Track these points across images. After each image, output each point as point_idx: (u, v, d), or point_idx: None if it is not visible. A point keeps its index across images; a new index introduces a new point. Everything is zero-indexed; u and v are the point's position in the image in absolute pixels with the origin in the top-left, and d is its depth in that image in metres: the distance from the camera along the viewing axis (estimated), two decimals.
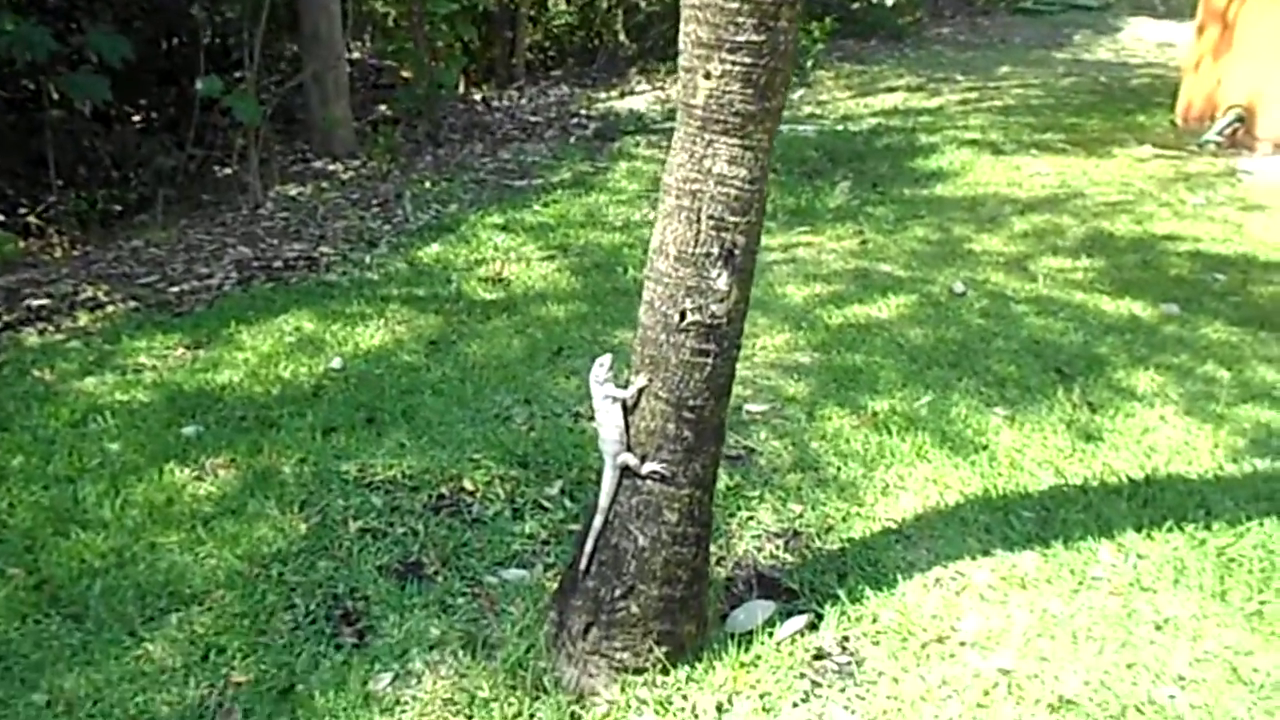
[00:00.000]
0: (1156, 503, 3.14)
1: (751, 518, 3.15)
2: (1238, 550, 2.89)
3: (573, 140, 8.42)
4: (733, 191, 2.26)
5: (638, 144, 8.06)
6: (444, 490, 3.32)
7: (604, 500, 2.48)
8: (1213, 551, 2.89)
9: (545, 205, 6.45)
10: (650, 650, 2.49)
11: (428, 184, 7.28)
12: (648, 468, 2.40)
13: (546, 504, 3.24)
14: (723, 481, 3.27)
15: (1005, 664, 2.51)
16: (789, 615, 2.70)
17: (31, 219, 7.32)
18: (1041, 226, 5.78)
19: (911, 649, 2.58)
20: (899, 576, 2.84)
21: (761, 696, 2.46)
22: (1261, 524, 2.99)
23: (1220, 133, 7.62)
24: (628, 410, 2.43)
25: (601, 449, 2.48)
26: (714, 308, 2.32)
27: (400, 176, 7.61)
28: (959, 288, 4.86)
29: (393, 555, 3.00)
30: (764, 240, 5.66)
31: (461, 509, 3.23)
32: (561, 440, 3.56)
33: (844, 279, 5.04)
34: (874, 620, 2.69)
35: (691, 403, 2.38)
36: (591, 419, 3.77)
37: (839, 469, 3.37)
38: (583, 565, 2.50)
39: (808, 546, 3.02)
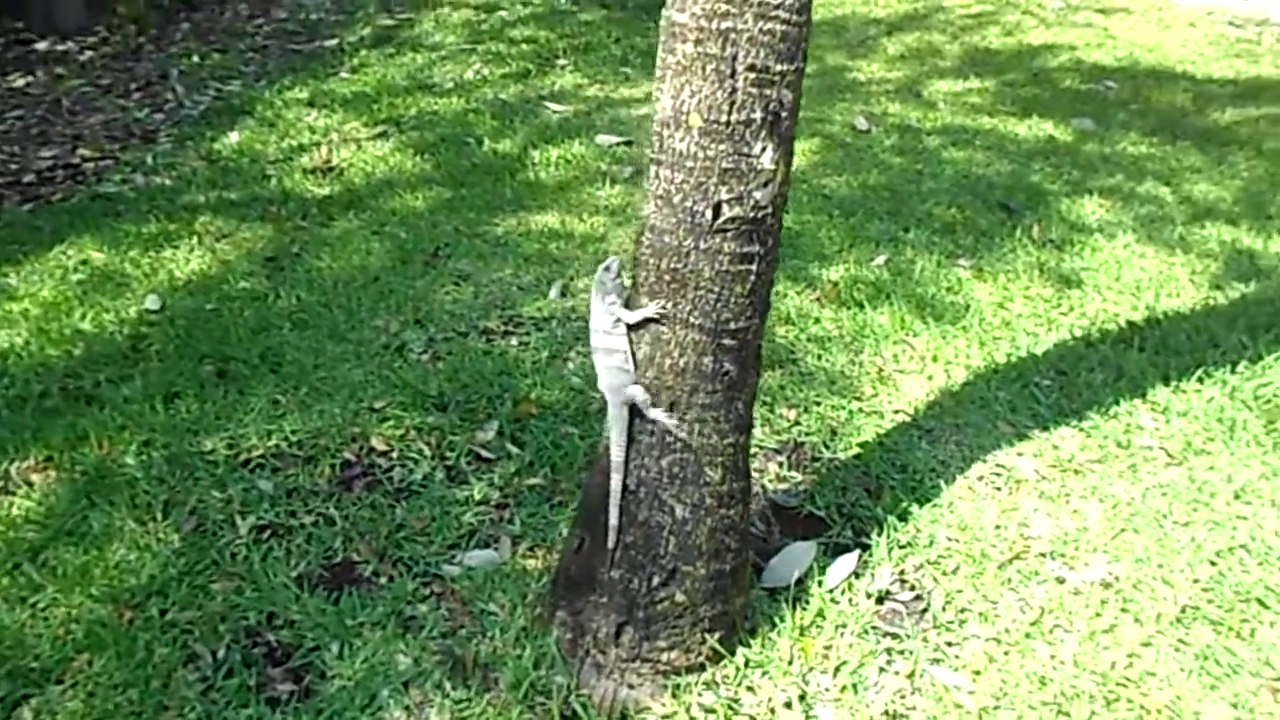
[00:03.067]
0: (1169, 348, 2.84)
1: None
2: (1269, 394, 2.63)
3: None
4: (779, 27, 1.61)
5: None
6: (349, 456, 2.60)
7: (617, 454, 1.86)
8: (1250, 397, 2.62)
9: (354, 71, 5.43)
10: (703, 642, 1.95)
11: (195, 58, 6.02)
12: (667, 420, 1.80)
13: (486, 454, 2.59)
14: None
15: (1101, 574, 2.14)
16: (832, 553, 2.23)
17: None
18: (916, 46, 5.34)
19: (989, 573, 2.17)
20: (938, 481, 2.41)
21: (838, 669, 1.98)
22: (1274, 358, 2.74)
23: None
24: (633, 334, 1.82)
25: (601, 386, 1.86)
26: (757, 195, 1.70)
27: (156, 52, 6.28)
28: (861, 124, 4.38)
29: (311, 558, 2.29)
30: (628, 90, 5.00)
31: (379, 478, 2.53)
32: (479, 368, 2.87)
33: None
34: (930, 543, 2.25)
35: (733, 325, 1.78)
36: (506, 335, 3.12)
37: (819, 357, 2.87)
38: (611, 549, 1.90)
39: (816, 459, 2.54)
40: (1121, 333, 2.91)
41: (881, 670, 1.99)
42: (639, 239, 1.79)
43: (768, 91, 1.63)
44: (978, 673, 1.96)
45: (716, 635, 1.96)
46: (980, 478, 2.43)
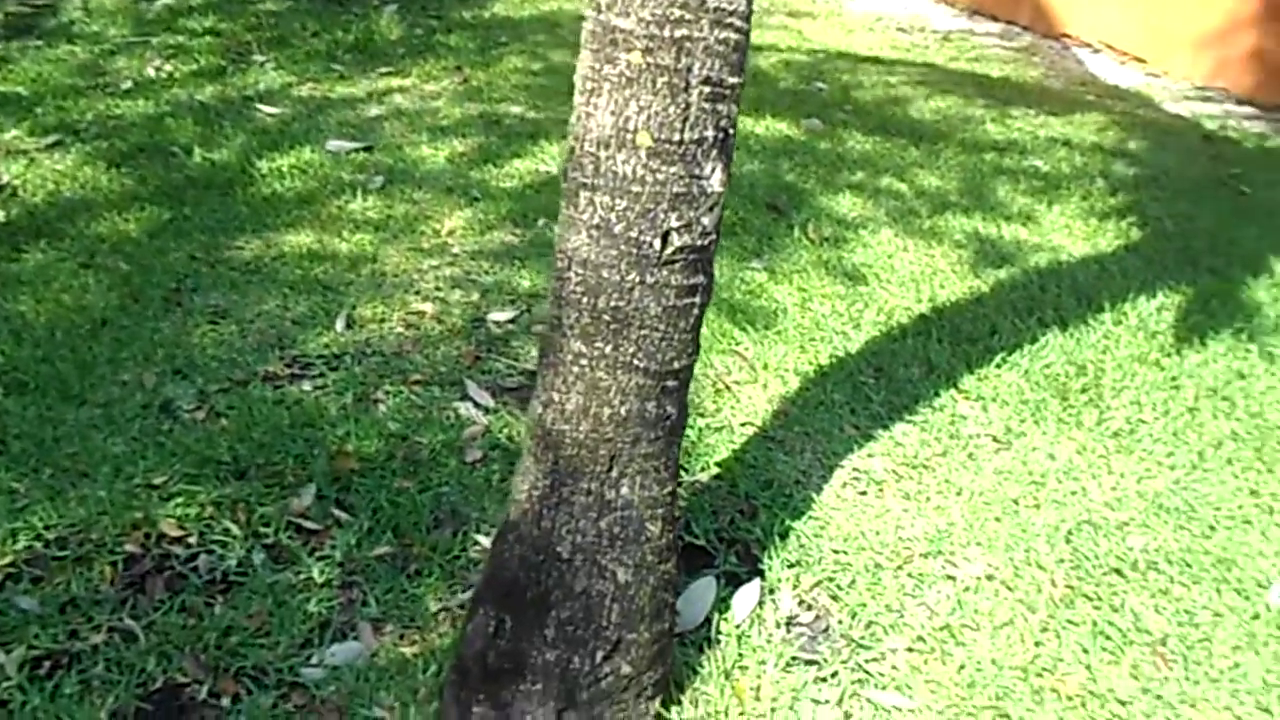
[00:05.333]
0: (959, 335, 3.02)
1: None
2: (1054, 373, 2.88)
3: None
4: (733, 35, 1.45)
5: None
6: (132, 549, 2.11)
7: None
8: (1041, 378, 2.84)
9: None
10: (647, 713, 1.77)
11: None
12: None
13: (311, 524, 2.21)
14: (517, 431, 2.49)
15: (983, 568, 2.21)
16: (726, 584, 2.13)
17: None
18: None
19: (885, 582, 2.17)
20: (806, 493, 2.38)
21: (774, 712, 1.89)
22: (1046, 339, 3.01)
23: None
24: None
25: None
26: (705, 220, 1.54)
27: None
28: None
29: (119, 689, 1.82)
30: (346, 88, 4.57)
31: (182, 572, 2.07)
32: (274, 422, 2.45)
33: (476, 128, 4.19)
34: (819, 560, 2.21)
35: (676, 365, 1.61)
36: (295, 379, 2.68)
37: None
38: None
39: (679, 485, 2.41)
40: (917, 325, 3.06)
41: (815, 703, 1.91)
42: (562, 276, 1.56)
43: (720, 107, 1.48)
44: (909, 687, 1.94)
45: (658, 700, 1.79)
46: (844, 484, 2.43)
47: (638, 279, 1.52)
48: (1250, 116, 5.46)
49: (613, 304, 1.53)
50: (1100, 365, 2.92)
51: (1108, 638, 2.05)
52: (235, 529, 2.17)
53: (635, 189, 1.48)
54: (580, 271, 1.54)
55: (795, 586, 2.15)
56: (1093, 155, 4.55)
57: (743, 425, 2.59)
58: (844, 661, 2.00)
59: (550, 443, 1.63)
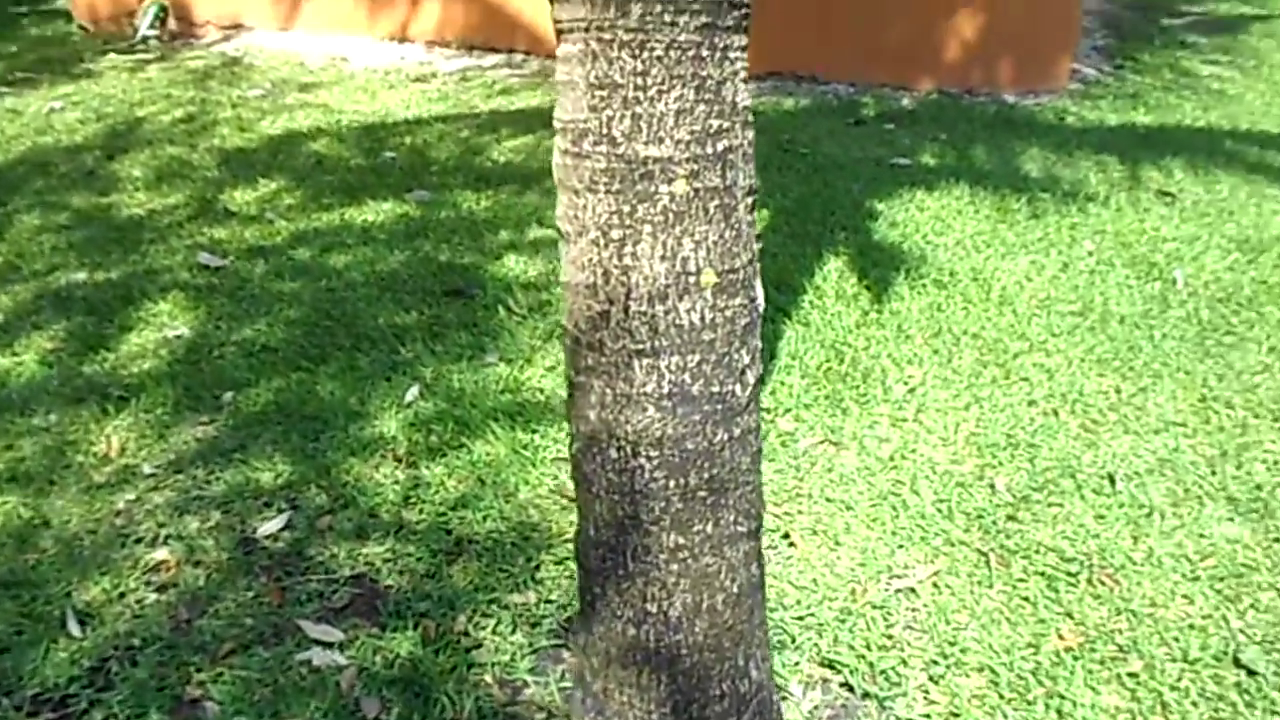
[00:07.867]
0: None
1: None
2: (819, 363, 3.01)
3: None
4: (753, 133, 1.25)
5: None
6: None
7: None
8: (812, 373, 2.95)
9: None
10: None
11: None
12: None
13: None
14: (391, 652, 2.05)
15: (924, 573, 2.24)
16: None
17: None
18: (161, 164, 4.58)
19: (855, 625, 2.10)
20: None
21: None
22: (807, 335, 3.14)
23: (152, 28, 6.92)
24: None
25: None
26: (758, 343, 1.33)
27: None
28: (210, 259, 3.64)
29: None
30: None
31: None
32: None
33: (47, 312, 3.30)
34: (792, 638, 2.09)
35: (761, 509, 1.38)
36: None
37: (483, 519, 2.38)
38: None
39: None
40: None
41: None
42: (627, 467, 1.26)
43: (754, 215, 1.27)
44: (960, 714, 1.90)
45: None
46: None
47: (726, 436, 1.28)
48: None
49: (706, 476, 1.27)
50: (860, 350, 3.10)
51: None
52: None
53: (707, 336, 1.23)
54: (656, 454, 1.25)
55: (793, 675, 2.01)
56: None
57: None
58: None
59: (659, 662, 1.32)
